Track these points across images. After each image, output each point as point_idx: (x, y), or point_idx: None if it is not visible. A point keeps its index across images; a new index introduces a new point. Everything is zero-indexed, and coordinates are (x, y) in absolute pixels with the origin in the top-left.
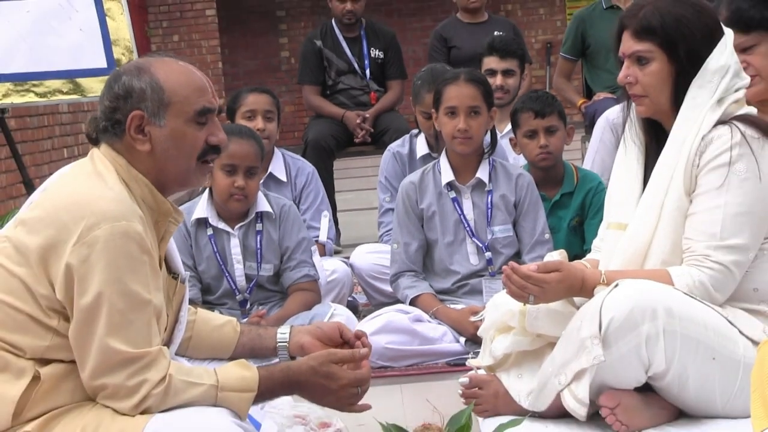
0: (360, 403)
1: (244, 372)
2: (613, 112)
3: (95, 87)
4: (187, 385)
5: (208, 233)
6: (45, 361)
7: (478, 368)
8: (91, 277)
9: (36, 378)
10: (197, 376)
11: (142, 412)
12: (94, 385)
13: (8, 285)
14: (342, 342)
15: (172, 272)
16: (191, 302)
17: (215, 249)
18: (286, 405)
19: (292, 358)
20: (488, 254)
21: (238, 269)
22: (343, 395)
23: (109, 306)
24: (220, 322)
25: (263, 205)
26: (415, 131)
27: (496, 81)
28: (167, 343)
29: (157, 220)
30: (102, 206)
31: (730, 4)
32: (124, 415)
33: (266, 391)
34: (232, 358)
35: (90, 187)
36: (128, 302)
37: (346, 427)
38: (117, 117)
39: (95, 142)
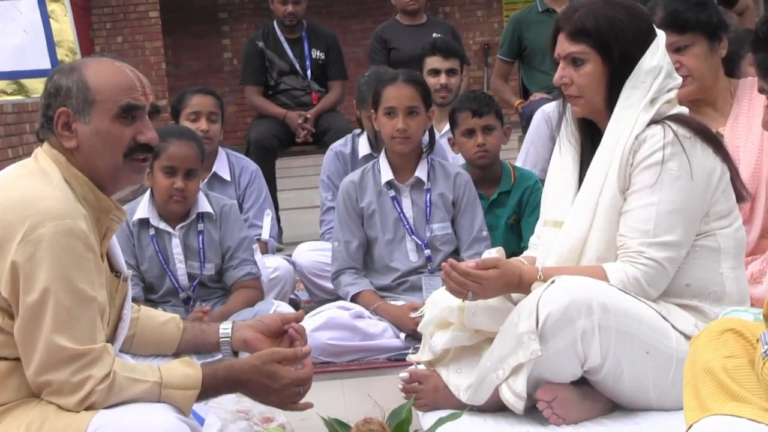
0: (302, 401)
1: (187, 370)
2: (549, 107)
3: (39, 88)
4: (132, 382)
5: (150, 233)
6: None
7: (418, 363)
8: (37, 274)
9: None
10: (141, 373)
11: (87, 408)
12: (38, 382)
13: None
14: (284, 331)
15: (114, 270)
16: (134, 300)
17: (157, 249)
18: (230, 400)
19: (235, 353)
20: (427, 251)
21: (180, 269)
22: (286, 394)
23: (54, 303)
24: (163, 319)
25: (204, 205)
26: (358, 131)
27: (441, 80)
28: (111, 340)
29: (98, 218)
30: (47, 205)
31: (666, 6)
32: (68, 411)
33: (209, 389)
34: (176, 354)
35: (35, 186)
36: (74, 299)
37: (288, 422)
38: (50, 114)
39: (41, 139)
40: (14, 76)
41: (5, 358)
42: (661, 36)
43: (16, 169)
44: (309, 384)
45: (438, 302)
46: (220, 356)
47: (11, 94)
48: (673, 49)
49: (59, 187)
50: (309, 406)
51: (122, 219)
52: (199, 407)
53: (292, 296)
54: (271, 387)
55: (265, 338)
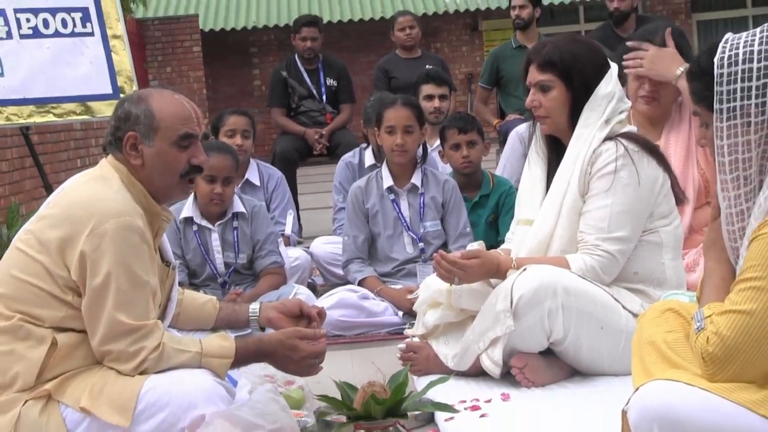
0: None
1: (223, 342)
2: (522, 128)
3: (103, 109)
4: (177, 352)
5: (194, 229)
6: (61, 330)
7: (413, 336)
8: (101, 262)
9: (54, 344)
10: (185, 345)
11: (141, 373)
12: (101, 351)
13: (31, 268)
14: (301, 315)
15: (165, 261)
16: (180, 284)
17: (199, 242)
18: (258, 367)
19: (262, 328)
20: (421, 244)
21: (218, 258)
22: (303, 365)
23: (115, 286)
24: (203, 300)
25: (238, 206)
26: (364, 145)
27: (434, 104)
28: (161, 317)
29: (151, 220)
30: (109, 205)
31: (678, 32)
32: (126, 375)
33: (241, 359)
34: (213, 329)
35: (98, 190)
36: (131, 283)
37: (306, 384)
38: (119, 135)
39: (105, 151)
40: (82, 99)
41: (74, 330)
42: (614, 67)
43: (83, 176)
44: (323, 357)
45: (430, 286)
46: (249, 331)
47: (80, 114)
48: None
49: (119, 191)
50: (320, 369)
51: (170, 219)
52: (232, 372)
53: (309, 281)
54: (292, 358)
55: (286, 318)
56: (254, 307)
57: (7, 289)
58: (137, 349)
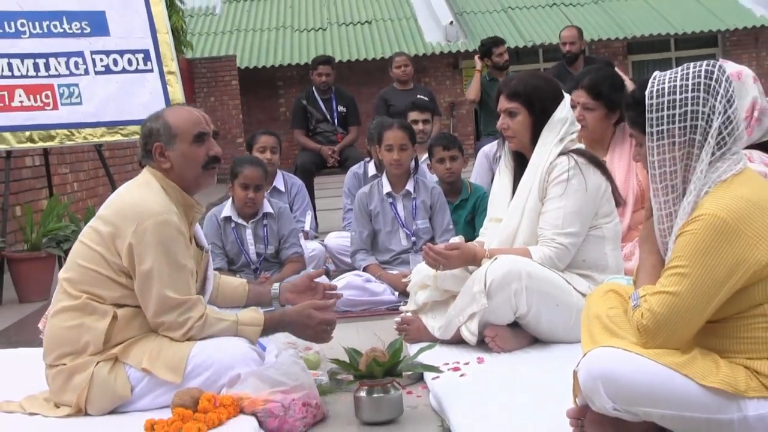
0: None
1: (255, 314)
2: (487, 148)
3: None
4: (218, 321)
5: (232, 226)
6: (119, 306)
7: (407, 312)
8: (146, 252)
9: (114, 318)
10: (224, 315)
11: (188, 339)
12: (155, 323)
13: (91, 256)
14: (312, 286)
15: (199, 245)
16: (220, 270)
17: (236, 236)
18: (282, 336)
19: (283, 305)
20: (413, 239)
21: (251, 249)
22: (317, 330)
23: (159, 270)
24: (236, 284)
25: (267, 207)
26: (368, 159)
27: (419, 127)
28: (200, 293)
29: (186, 212)
30: (149, 206)
31: (594, 78)
32: (176, 341)
33: (268, 328)
34: (245, 306)
35: (141, 194)
36: (172, 266)
37: (321, 350)
38: (147, 148)
39: (142, 165)
40: (142, 122)
41: (129, 306)
42: (567, 97)
43: (130, 183)
44: (333, 325)
45: (420, 271)
46: (274, 308)
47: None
48: (584, 108)
49: (158, 194)
50: (331, 338)
51: (202, 211)
52: (262, 340)
53: (323, 267)
54: (309, 324)
55: (297, 294)
56: (275, 287)
57: (74, 274)
58: (185, 319)
